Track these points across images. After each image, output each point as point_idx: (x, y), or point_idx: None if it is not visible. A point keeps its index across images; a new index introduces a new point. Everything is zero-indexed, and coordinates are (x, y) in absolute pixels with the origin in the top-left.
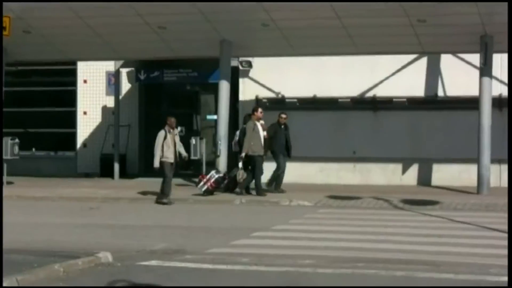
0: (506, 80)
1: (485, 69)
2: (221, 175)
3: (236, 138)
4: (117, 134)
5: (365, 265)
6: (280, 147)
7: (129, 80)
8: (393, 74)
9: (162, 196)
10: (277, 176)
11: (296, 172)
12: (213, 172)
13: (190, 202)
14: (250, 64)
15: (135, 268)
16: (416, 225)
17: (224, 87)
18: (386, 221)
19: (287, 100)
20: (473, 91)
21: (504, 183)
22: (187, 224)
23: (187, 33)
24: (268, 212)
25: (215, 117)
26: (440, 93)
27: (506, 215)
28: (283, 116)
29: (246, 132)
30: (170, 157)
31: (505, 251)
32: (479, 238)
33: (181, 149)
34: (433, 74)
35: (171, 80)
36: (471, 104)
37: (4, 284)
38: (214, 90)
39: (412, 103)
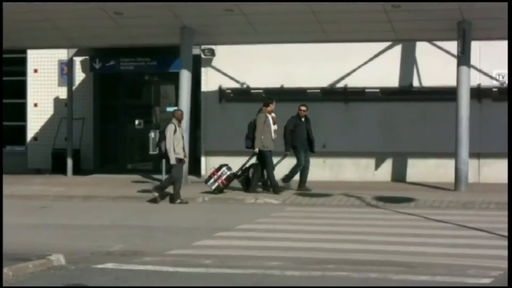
0: (485, 69)
1: (463, 58)
2: (233, 171)
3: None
4: (70, 128)
5: (336, 266)
6: (302, 141)
7: (83, 70)
8: (366, 63)
9: (174, 198)
10: (302, 172)
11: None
12: (224, 168)
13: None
14: (213, 53)
15: (89, 271)
16: (390, 224)
17: (185, 77)
18: (358, 220)
19: (252, 91)
20: (451, 81)
21: (484, 178)
22: (146, 223)
23: (146, 19)
24: (232, 210)
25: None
26: (416, 83)
27: (485, 213)
28: (303, 108)
29: (257, 126)
30: (180, 153)
31: (484, 251)
32: (456, 238)
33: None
34: (408, 63)
35: (128, 70)
36: (448, 95)
37: None
38: (174, 80)
39: (386, 94)
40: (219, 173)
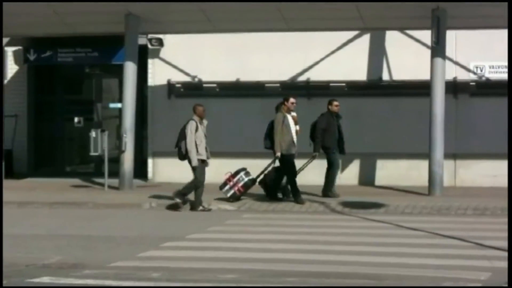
0: (462, 61)
1: (437, 49)
2: (251, 177)
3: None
4: (1, 126)
5: (297, 279)
6: (334, 142)
7: (16, 61)
8: (330, 54)
9: (195, 204)
10: (331, 175)
11: (215, 170)
12: (242, 173)
13: (89, 206)
14: (161, 43)
15: (23, 286)
16: (357, 232)
17: (130, 69)
18: (322, 228)
19: (205, 85)
20: (424, 75)
21: (460, 182)
22: (87, 232)
23: (86, 5)
24: (182, 218)
25: (119, 105)
26: (385, 76)
27: (461, 219)
28: (336, 103)
29: (275, 126)
30: (202, 154)
31: (460, 262)
32: (430, 247)
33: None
34: (377, 54)
35: (66, 61)
36: (421, 89)
37: None
38: (118, 73)
39: (353, 89)
40: (235, 179)
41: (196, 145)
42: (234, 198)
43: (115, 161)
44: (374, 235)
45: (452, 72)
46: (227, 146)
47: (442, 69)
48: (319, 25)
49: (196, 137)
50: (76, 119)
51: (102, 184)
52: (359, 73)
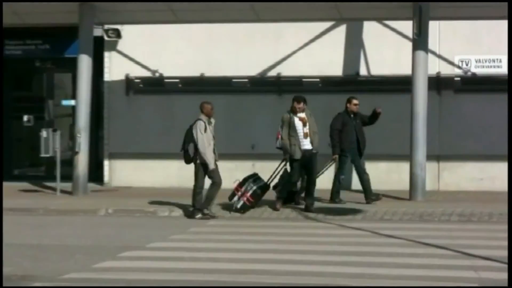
0: (446, 55)
1: (419, 41)
2: (261, 184)
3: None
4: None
5: None
6: (351, 144)
7: None
8: (303, 47)
9: (203, 206)
10: (363, 181)
11: (177, 173)
12: (250, 181)
13: (39, 212)
14: (118, 34)
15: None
16: (332, 241)
17: (85, 63)
18: (294, 236)
19: (166, 80)
20: (405, 69)
21: (444, 185)
22: (37, 241)
23: None
24: (142, 225)
25: (73, 102)
26: (363, 71)
27: (446, 226)
28: (355, 102)
29: (282, 128)
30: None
31: (443, 273)
32: (411, 257)
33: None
34: (354, 47)
35: (15, 54)
36: (401, 85)
37: None
38: (71, 67)
39: (327, 84)
40: (243, 188)
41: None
42: (245, 209)
43: (68, 163)
44: (350, 244)
45: (435, 67)
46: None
47: (424, 63)
48: (291, 16)
49: (205, 138)
50: (25, 118)
51: (54, 189)
52: (335, 67)
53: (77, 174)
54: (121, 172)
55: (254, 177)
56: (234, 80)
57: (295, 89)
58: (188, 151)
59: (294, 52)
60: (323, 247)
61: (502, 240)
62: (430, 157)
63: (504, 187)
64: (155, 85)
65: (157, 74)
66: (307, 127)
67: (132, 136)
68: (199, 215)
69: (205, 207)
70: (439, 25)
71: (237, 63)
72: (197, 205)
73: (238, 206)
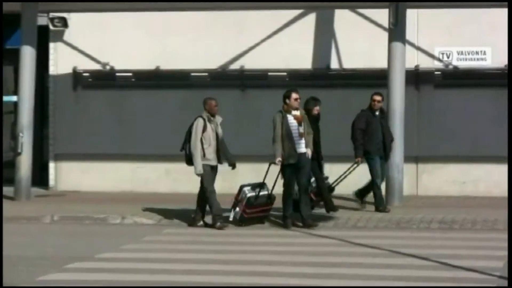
0: (425, 46)
1: (396, 31)
2: (254, 194)
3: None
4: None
5: None
6: (377, 145)
7: None
8: (268, 38)
9: (214, 219)
10: (375, 187)
11: (131, 176)
12: (245, 190)
13: None
14: (65, 23)
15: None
16: (300, 251)
17: (28, 55)
18: (258, 245)
19: (118, 74)
20: (380, 62)
21: (423, 190)
22: None
23: None
24: (91, 234)
25: (14, 98)
26: (334, 64)
27: (425, 234)
28: (378, 98)
29: (275, 129)
30: (210, 158)
31: (422, 285)
32: (387, 268)
33: (224, 148)
34: (324, 38)
35: None
36: (376, 79)
37: None
38: (13, 59)
39: (295, 79)
40: (240, 197)
41: (203, 147)
42: (243, 222)
43: (10, 165)
44: (320, 254)
45: (413, 59)
46: (144, 147)
47: (401, 55)
48: (256, 3)
49: (204, 138)
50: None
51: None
52: (303, 60)
53: (20, 177)
54: (68, 175)
55: (251, 186)
56: (192, 74)
57: (260, 83)
58: (187, 151)
59: (258, 43)
60: (289, 257)
61: (486, 250)
62: (408, 158)
63: (489, 191)
64: (105, 79)
65: (107, 67)
66: (303, 126)
67: (80, 135)
68: (201, 223)
69: (216, 215)
70: (418, 14)
71: (196, 55)
72: (212, 210)
73: (238, 217)
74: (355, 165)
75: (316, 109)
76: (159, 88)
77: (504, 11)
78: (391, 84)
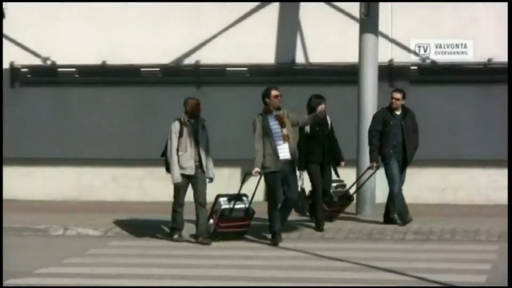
0: (399, 39)
1: (368, 22)
2: (229, 206)
3: None
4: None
5: None
6: (395, 148)
7: None
8: (227, 30)
9: (172, 232)
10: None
11: (75, 183)
12: (220, 200)
13: None
14: (1, 13)
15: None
16: (262, 265)
17: None
18: (216, 259)
19: (60, 69)
20: (350, 56)
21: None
22: None
23: None
24: (30, 246)
25: None
26: (300, 59)
27: (400, 246)
28: (397, 95)
29: (254, 134)
30: (186, 167)
31: None
32: (357, 283)
33: (205, 156)
34: (289, 30)
35: None
36: (347, 75)
37: None
38: None
39: (257, 74)
40: (215, 208)
41: (178, 154)
42: (216, 235)
43: None
44: (283, 268)
45: (387, 53)
46: (89, 150)
47: (374, 49)
48: None
49: (180, 143)
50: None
51: None
52: (266, 54)
53: None
54: (5, 181)
55: (228, 196)
56: (143, 69)
57: (217, 80)
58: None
59: (216, 36)
60: (249, 272)
61: (467, 263)
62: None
63: (470, 199)
64: (46, 75)
65: (49, 62)
66: (286, 128)
67: (19, 137)
68: (176, 236)
69: (174, 228)
70: (392, 4)
71: (147, 49)
72: (173, 223)
73: (211, 230)
74: (371, 171)
75: (321, 107)
76: (106, 85)
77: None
78: (362, 80)
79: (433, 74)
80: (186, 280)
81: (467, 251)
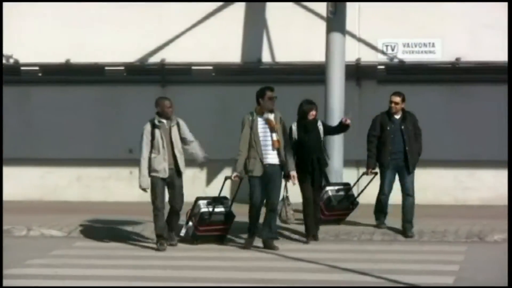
0: (367, 38)
1: (335, 21)
2: (218, 208)
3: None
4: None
5: None
6: (393, 154)
7: None
8: (192, 28)
9: (157, 239)
10: (405, 205)
11: (39, 182)
12: (200, 203)
13: None
14: None
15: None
16: (228, 266)
17: None
18: (182, 260)
19: (23, 68)
20: (317, 55)
21: (365, 196)
22: None
23: None
24: None
25: None
26: (266, 58)
27: (368, 247)
28: (395, 99)
29: (242, 134)
30: (158, 169)
31: None
32: (324, 284)
33: (193, 148)
34: (255, 28)
35: None
36: (313, 74)
37: None
38: None
39: (222, 73)
40: (194, 210)
41: (150, 157)
42: (195, 239)
43: None
44: (249, 269)
45: (354, 52)
46: (53, 150)
47: (341, 47)
48: None
49: (153, 145)
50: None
51: None
52: (231, 53)
53: None
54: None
55: (209, 199)
56: (107, 68)
57: (182, 78)
58: None
59: (181, 34)
60: (214, 273)
61: (434, 264)
62: (348, 163)
63: (438, 199)
64: (8, 73)
65: (11, 60)
66: (276, 133)
67: None
68: (158, 245)
69: (157, 234)
70: (360, 3)
71: (112, 47)
72: (156, 230)
73: (190, 234)
74: (370, 176)
75: (312, 114)
76: (70, 83)
77: None
78: (329, 79)
79: (401, 73)
80: (149, 281)
81: (435, 252)
